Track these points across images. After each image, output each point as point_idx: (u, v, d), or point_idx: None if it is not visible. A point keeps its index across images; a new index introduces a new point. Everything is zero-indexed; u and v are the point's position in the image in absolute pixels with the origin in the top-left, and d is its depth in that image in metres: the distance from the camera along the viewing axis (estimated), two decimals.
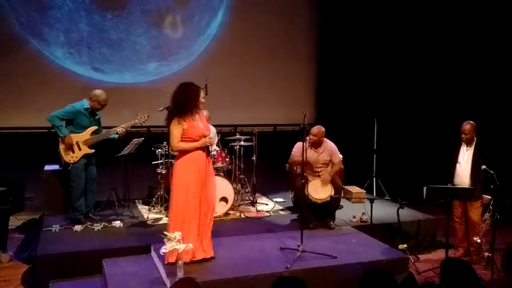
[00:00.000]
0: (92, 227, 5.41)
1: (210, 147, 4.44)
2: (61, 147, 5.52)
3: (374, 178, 7.76)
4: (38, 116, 7.22)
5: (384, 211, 6.10)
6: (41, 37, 7.49)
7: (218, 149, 6.20)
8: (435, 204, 5.57)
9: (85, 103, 5.58)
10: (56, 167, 6.05)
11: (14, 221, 5.90)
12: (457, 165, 5.37)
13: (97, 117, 5.72)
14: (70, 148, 5.50)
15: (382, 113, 7.87)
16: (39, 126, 7.21)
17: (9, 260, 5.17)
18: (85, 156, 5.57)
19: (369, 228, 5.43)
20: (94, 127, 5.62)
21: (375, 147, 7.90)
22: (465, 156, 5.35)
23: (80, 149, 5.54)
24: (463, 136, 5.33)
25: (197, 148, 4.24)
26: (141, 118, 5.72)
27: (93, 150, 5.60)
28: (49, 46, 7.55)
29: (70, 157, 5.52)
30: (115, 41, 7.80)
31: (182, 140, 4.23)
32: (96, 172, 5.73)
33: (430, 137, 7.59)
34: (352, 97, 8.47)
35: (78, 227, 5.36)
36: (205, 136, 4.26)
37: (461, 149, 5.39)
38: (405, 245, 5.33)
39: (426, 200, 4.89)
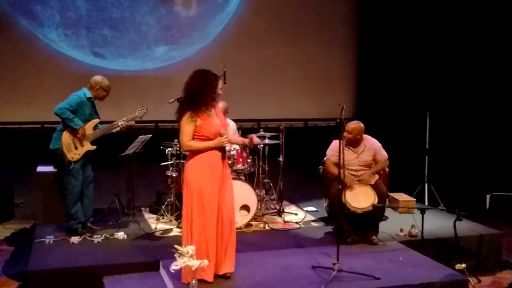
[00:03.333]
0: (92, 238, 5.48)
1: (226, 147, 4.45)
2: (65, 142, 5.55)
3: (426, 184, 7.68)
4: (30, 109, 7.39)
5: (438, 223, 6.03)
6: (33, 16, 7.64)
7: (239, 148, 6.22)
8: (501, 216, 5.47)
9: (87, 92, 5.66)
10: (50, 168, 6.14)
11: (2, 231, 6.04)
12: None
13: (94, 108, 5.77)
14: (78, 142, 5.58)
15: (436, 105, 7.76)
16: (31, 120, 7.35)
17: None
18: (86, 153, 5.64)
19: (420, 244, 5.38)
20: (96, 120, 5.70)
21: (427, 147, 7.81)
22: None
23: (82, 145, 5.62)
24: None
25: (211, 148, 4.27)
26: (141, 111, 5.77)
27: (95, 147, 5.67)
28: (42, 27, 7.69)
29: (73, 154, 5.58)
30: (117, 21, 7.90)
31: (194, 138, 4.25)
32: (93, 173, 5.80)
33: (496, 134, 7.44)
34: (400, 86, 8.37)
35: (75, 239, 5.43)
36: (221, 135, 4.27)
37: None
38: (463, 265, 5.25)
39: (489, 210, 4.82)
